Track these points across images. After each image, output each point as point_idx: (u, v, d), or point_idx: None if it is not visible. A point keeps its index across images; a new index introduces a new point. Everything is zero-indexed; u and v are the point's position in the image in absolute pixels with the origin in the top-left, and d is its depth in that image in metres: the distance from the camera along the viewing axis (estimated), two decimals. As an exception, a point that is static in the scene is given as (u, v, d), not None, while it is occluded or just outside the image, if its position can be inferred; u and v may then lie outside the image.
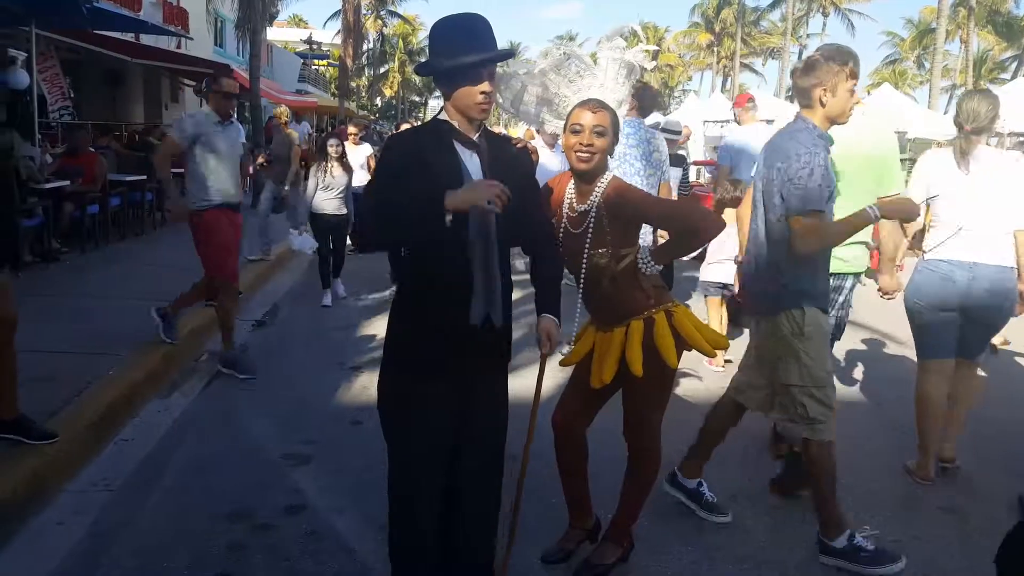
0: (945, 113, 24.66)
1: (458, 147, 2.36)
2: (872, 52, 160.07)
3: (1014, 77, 35.76)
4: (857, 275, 3.86)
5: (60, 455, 3.70)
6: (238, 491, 3.57)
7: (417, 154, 2.33)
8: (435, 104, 58.09)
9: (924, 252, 3.94)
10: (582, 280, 2.82)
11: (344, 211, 7.36)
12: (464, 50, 2.25)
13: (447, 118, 2.39)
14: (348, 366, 5.50)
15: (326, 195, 7.27)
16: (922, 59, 49.70)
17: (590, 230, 2.75)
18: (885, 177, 3.75)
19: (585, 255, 2.76)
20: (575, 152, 2.71)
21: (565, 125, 2.78)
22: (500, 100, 3.07)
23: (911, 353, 4.35)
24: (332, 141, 7.48)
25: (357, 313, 7.14)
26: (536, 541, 3.13)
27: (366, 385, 5.07)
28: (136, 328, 5.65)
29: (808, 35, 51.25)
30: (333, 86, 46.38)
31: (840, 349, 6.45)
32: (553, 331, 2.52)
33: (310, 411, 4.64)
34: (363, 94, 51.84)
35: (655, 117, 10.79)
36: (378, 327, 6.59)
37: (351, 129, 9.55)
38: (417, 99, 64.61)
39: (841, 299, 3.82)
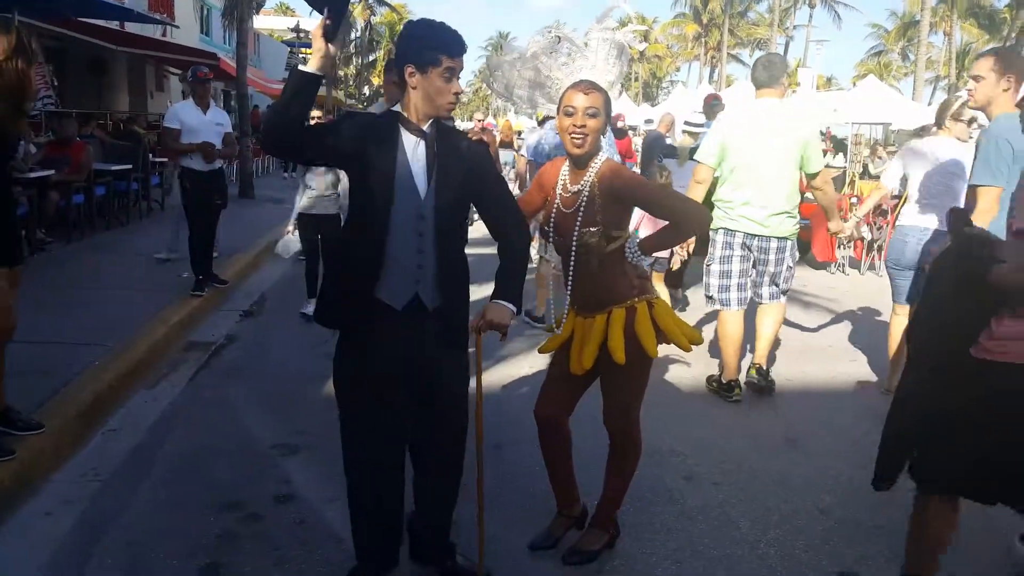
0: (929, 104, 24.83)
1: (404, 135, 2.47)
2: (857, 44, 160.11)
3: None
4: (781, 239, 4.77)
5: (47, 446, 3.71)
6: (228, 481, 3.59)
7: (361, 130, 2.46)
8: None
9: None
10: (571, 261, 2.85)
11: (335, 211, 6.38)
12: (441, 48, 2.38)
13: (400, 109, 2.50)
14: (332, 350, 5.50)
15: (314, 192, 6.28)
16: (907, 51, 49.91)
17: (581, 209, 2.79)
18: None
19: (575, 233, 2.80)
20: (569, 135, 2.75)
21: (558, 107, 2.81)
22: (494, 87, 3.16)
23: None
24: None
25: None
26: (524, 530, 3.17)
27: (354, 375, 5.08)
28: (122, 318, 5.65)
29: (795, 26, 51.32)
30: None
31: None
32: (497, 318, 2.57)
33: (299, 401, 4.64)
34: (351, 83, 51.53)
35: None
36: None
37: (315, 114, 8.72)
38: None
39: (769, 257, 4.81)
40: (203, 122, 6.54)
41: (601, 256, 2.77)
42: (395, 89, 4.28)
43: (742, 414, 4.73)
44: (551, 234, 2.96)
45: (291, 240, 6.38)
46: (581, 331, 2.88)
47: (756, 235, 4.72)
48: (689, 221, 2.81)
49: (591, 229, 2.74)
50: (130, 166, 10.02)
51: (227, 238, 7.36)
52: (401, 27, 2.76)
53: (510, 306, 2.59)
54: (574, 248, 2.81)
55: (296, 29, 38.74)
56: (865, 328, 6.98)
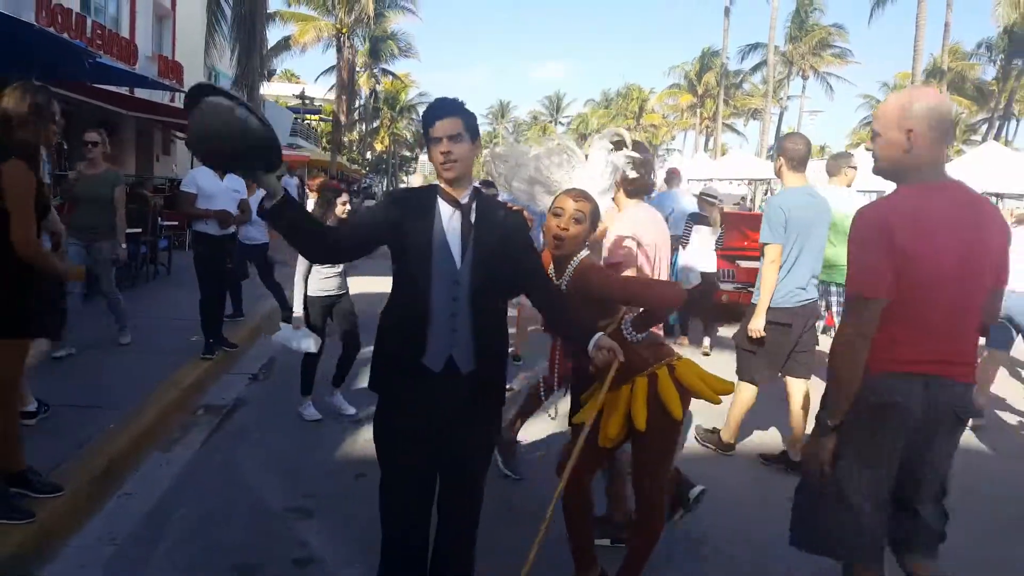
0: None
1: (441, 205, 2.60)
2: (850, 114, 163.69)
3: (985, 139, 36.73)
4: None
5: (64, 509, 3.71)
6: (244, 545, 3.59)
7: (400, 204, 2.64)
8: (425, 159, 58.80)
9: None
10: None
11: (345, 288, 5.67)
12: (426, 123, 2.57)
13: (439, 182, 2.66)
14: (347, 420, 5.53)
15: (327, 270, 5.44)
16: (899, 121, 50.94)
17: None
18: None
19: None
20: (552, 235, 2.92)
21: (550, 207, 2.96)
22: (495, 175, 3.34)
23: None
24: (342, 197, 5.59)
25: (355, 364, 7.15)
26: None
27: (368, 438, 5.05)
28: (133, 381, 5.68)
29: (788, 97, 52.61)
30: (324, 140, 46.88)
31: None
32: (609, 343, 2.56)
33: (312, 465, 4.66)
34: (354, 149, 52.41)
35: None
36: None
37: (313, 184, 8.47)
38: (408, 154, 65.42)
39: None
40: (220, 188, 6.68)
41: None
42: None
43: (754, 483, 4.74)
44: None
45: (302, 335, 5.36)
46: (608, 404, 2.97)
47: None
48: (664, 305, 2.90)
49: None
50: (139, 229, 10.14)
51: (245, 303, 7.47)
52: (403, 95, 2.96)
53: (607, 339, 2.61)
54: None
55: (301, 96, 39.69)
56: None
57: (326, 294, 5.50)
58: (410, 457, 2.62)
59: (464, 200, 2.60)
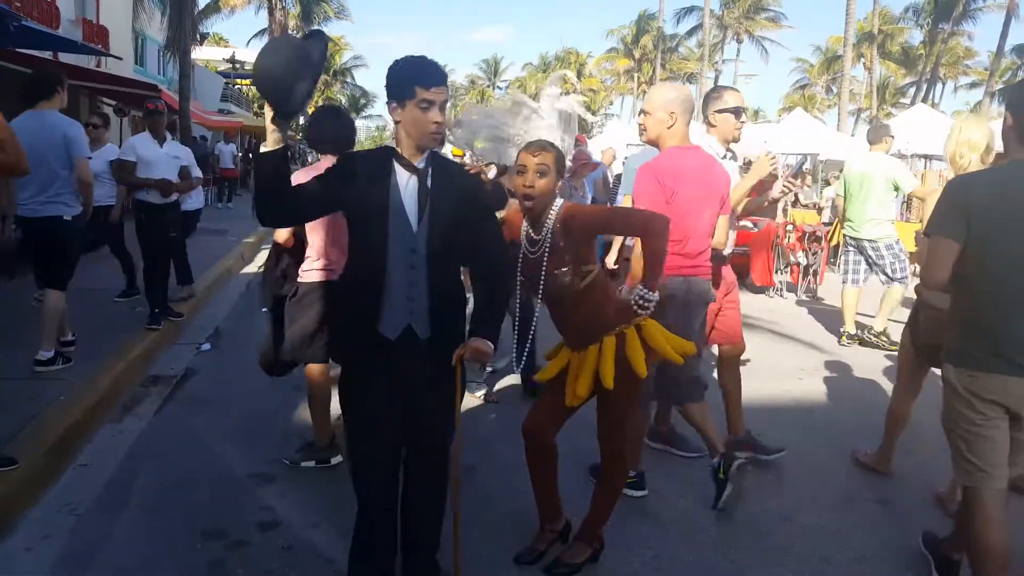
0: (853, 135, 26.00)
1: (398, 169, 2.58)
2: (784, 77, 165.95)
3: (913, 102, 37.93)
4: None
5: (20, 482, 3.68)
6: (208, 510, 3.61)
7: (354, 167, 2.59)
8: (362, 124, 57.75)
9: None
10: (540, 298, 3.04)
11: None
12: (418, 81, 2.50)
13: (394, 144, 2.63)
14: (303, 386, 5.51)
15: None
16: (830, 85, 52.19)
17: (546, 251, 2.98)
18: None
19: (543, 274, 2.97)
20: (520, 194, 2.96)
21: (514, 164, 3.01)
22: (455, 139, 3.37)
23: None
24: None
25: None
26: (506, 546, 3.29)
27: (322, 404, 5.13)
28: (80, 353, 5.58)
29: (724, 60, 53.25)
30: (256, 106, 45.66)
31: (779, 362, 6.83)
32: (481, 349, 2.60)
33: (267, 432, 4.67)
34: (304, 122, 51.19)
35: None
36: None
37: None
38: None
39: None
40: (159, 155, 6.52)
41: (577, 292, 2.96)
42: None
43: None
44: (522, 282, 3.12)
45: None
46: (575, 363, 3.06)
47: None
48: (653, 225, 2.93)
49: (563, 270, 2.93)
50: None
51: (173, 271, 7.32)
52: (336, 58, 2.91)
53: (490, 344, 2.65)
54: (543, 288, 2.98)
55: (232, 60, 38.55)
56: (807, 348, 7.32)
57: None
58: (375, 424, 2.67)
59: (420, 164, 2.59)
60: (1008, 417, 2.72)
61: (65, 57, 15.74)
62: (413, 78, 2.50)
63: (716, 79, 52.72)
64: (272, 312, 4.17)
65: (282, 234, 4.07)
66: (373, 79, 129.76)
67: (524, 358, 3.48)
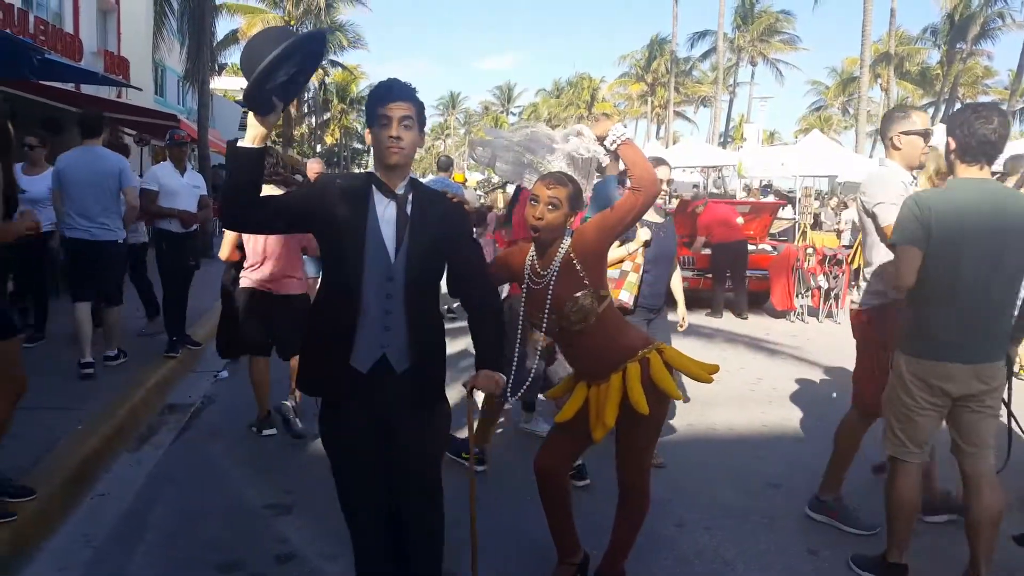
0: (871, 156, 25.89)
1: (376, 195, 2.49)
2: (799, 100, 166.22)
3: (932, 123, 37.69)
4: None
5: (38, 512, 3.66)
6: (224, 542, 3.58)
7: (332, 192, 2.48)
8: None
9: None
10: (543, 331, 3.00)
11: None
12: (376, 100, 2.46)
13: (375, 170, 2.56)
14: (317, 413, 5.50)
15: None
16: (847, 106, 52.08)
17: (552, 282, 2.91)
18: None
19: (547, 306, 2.91)
20: (529, 224, 2.91)
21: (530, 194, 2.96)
22: (477, 157, 3.33)
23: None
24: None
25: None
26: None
27: (340, 433, 5.10)
28: (97, 382, 5.59)
29: (737, 83, 53.30)
30: (275, 134, 46.21)
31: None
32: (490, 386, 2.57)
33: (284, 461, 4.65)
34: (304, 142, 51.76)
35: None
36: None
37: (314, 167, 8.16)
38: (359, 146, 64.72)
39: None
40: (181, 185, 6.59)
41: (597, 316, 2.89)
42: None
43: (725, 460, 4.86)
44: (525, 316, 3.08)
45: None
46: (596, 397, 2.97)
47: None
48: (639, 189, 2.86)
49: (583, 292, 2.86)
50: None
51: (193, 298, 7.32)
52: (353, 87, 2.88)
53: (500, 375, 2.60)
54: (560, 319, 2.90)
55: (250, 90, 39.00)
56: (829, 373, 7.22)
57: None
58: (355, 461, 2.56)
59: (400, 191, 2.51)
60: (952, 403, 3.19)
61: (87, 89, 16.01)
62: (375, 99, 2.46)
63: (731, 102, 52.84)
64: (224, 307, 5.26)
65: (224, 252, 4.98)
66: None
67: (518, 391, 3.42)
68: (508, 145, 3.16)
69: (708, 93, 50.45)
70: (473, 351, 2.70)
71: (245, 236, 4.86)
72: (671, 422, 5.51)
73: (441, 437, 2.74)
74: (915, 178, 3.93)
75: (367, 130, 2.54)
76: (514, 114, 79.68)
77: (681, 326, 5.08)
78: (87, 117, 6.22)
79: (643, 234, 4.40)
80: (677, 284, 5.06)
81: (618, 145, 2.97)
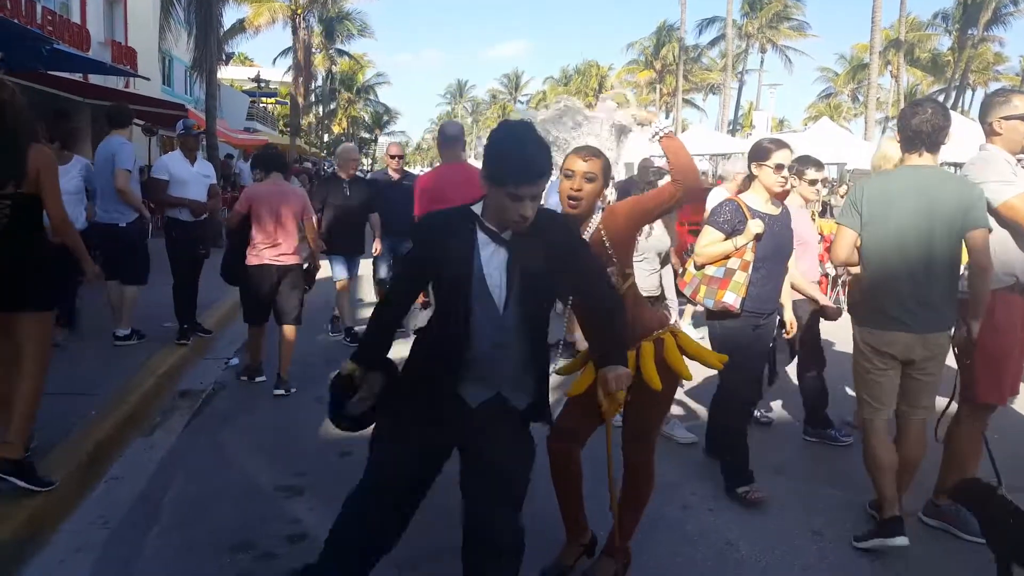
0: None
1: (481, 238, 2.41)
2: (808, 87, 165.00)
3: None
4: None
5: (54, 495, 3.72)
6: (237, 524, 3.64)
7: (436, 238, 2.45)
8: (384, 140, 58.16)
9: None
10: (568, 305, 3.03)
11: None
12: (511, 177, 2.29)
13: (479, 210, 2.45)
14: (328, 400, 5.54)
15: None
16: (856, 93, 51.78)
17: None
18: None
19: None
20: (566, 196, 2.93)
21: (561, 168, 2.99)
22: None
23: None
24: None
25: (326, 347, 7.21)
26: (532, 560, 3.27)
27: (349, 418, 5.16)
28: (109, 369, 5.67)
29: (746, 71, 53.08)
30: (281, 123, 46.26)
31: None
32: (614, 380, 2.49)
33: (295, 445, 4.71)
34: (312, 131, 51.81)
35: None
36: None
37: (392, 150, 7.98)
38: (367, 135, 64.78)
39: None
40: (191, 174, 6.64)
41: (622, 294, 2.92)
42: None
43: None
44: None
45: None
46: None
47: None
48: (681, 183, 2.89)
49: (609, 270, 2.89)
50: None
51: (203, 287, 7.38)
52: (360, 75, 2.83)
53: (626, 369, 2.55)
54: None
55: (257, 79, 39.11)
56: (834, 359, 7.22)
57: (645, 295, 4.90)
58: (410, 440, 2.51)
59: (507, 236, 2.41)
60: (900, 365, 3.58)
61: (94, 79, 16.09)
62: (509, 172, 2.30)
63: (740, 89, 52.63)
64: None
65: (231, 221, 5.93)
66: (396, 96, 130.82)
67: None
68: (535, 122, 3.20)
69: (717, 80, 50.27)
70: None
71: (256, 216, 5.65)
72: (682, 407, 5.55)
73: (530, 452, 2.63)
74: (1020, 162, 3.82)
75: (486, 179, 2.36)
76: (522, 102, 79.57)
77: (788, 333, 4.69)
78: (112, 109, 6.68)
79: (753, 226, 3.94)
80: (790, 285, 4.55)
81: (660, 137, 3.00)
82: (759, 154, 4.00)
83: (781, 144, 4.01)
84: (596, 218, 2.97)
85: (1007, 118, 3.59)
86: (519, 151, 2.32)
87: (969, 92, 46.57)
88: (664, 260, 5.23)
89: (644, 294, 4.61)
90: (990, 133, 3.67)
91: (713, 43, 52.60)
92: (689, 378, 3.03)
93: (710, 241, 4.05)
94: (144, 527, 3.60)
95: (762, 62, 51.15)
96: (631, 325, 2.95)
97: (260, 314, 5.91)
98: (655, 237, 5.02)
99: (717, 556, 3.47)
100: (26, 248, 3.69)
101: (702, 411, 5.51)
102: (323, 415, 5.20)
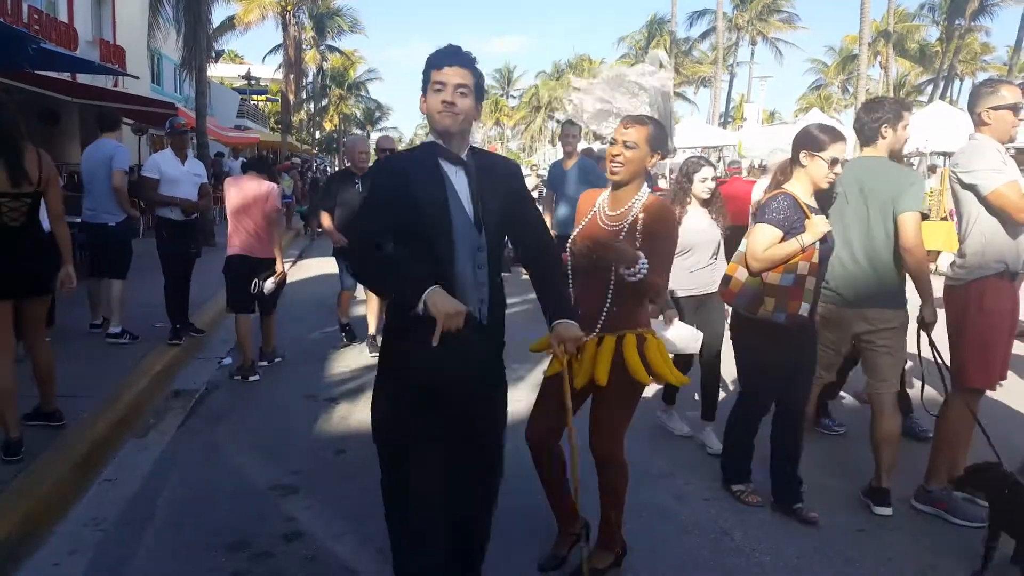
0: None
1: (444, 165, 2.48)
2: (799, 78, 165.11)
3: (931, 100, 37.60)
4: None
5: (48, 497, 3.72)
6: (232, 523, 3.63)
7: (403, 178, 2.46)
8: (375, 137, 58.08)
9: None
10: (571, 262, 3.04)
11: None
12: (432, 65, 2.44)
13: (433, 139, 2.53)
14: (322, 398, 5.58)
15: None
16: (846, 84, 51.85)
17: (624, 233, 2.95)
18: None
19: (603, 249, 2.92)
20: (609, 162, 2.98)
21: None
22: (567, 112, 3.52)
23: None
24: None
25: (319, 345, 7.19)
26: (531, 552, 3.28)
27: (344, 416, 5.17)
28: (102, 369, 5.65)
29: (737, 63, 53.05)
30: (272, 121, 46.09)
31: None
32: (574, 336, 2.56)
33: (290, 443, 4.70)
34: (303, 128, 51.65)
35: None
36: (345, 358, 6.68)
37: (385, 144, 7.07)
38: (358, 132, 64.63)
39: None
40: (182, 173, 6.60)
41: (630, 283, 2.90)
42: None
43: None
44: (578, 252, 3.04)
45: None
46: (583, 349, 2.94)
47: None
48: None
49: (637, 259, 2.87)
50: (94, 218, 9.92)
51: (194, 286, 7.35)
52: (351, 72, 2.89)
53: (574, 323, 2.59)
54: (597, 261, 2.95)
55: (247, 76, 38.90)
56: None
57: (692, 293, 4.64)
58: (431, 466, 2.51)
59: (465, 158, 2.50)
60: (851, 340, 3.94)
61: (83, 78, 15.98)
62: (431, 64, 2.43)
63: (731, 82, 52.64)
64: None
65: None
66: (387, 92, 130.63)
67: None
68: (591, 87, 3.26)
69: (708, 73, 50.19)
70: None
71: (231, 213, 6.02)
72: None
73: (505, 389, 2.74)
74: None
75: (422, 98, 2.48)
76: (514, 96, 79.41)
77: None
78: (103, 113, 7.10)
79: (820, 224, 3.49)
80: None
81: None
82: (812, 143, 3.55)
83: (837, 135, 3.54)
84: (640, 199, 2.99)
85: (995, 108, 3.63)
86: (439, 49, 2.47)
87: (957, 82, 46.73)
88: (715, 252, 4.70)
89: (684, 294, 4.53)
90: (979, 123, 3.72)
91: (704, 36, 52.51)
92: (645, 382, 2.99)
93: (770, 242, 3.53)
94: (138, 528, 3.59)
95: (752, 54, 51.15)
96: (625, 310, 2.97)
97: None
98: (697, 231, 4.56)
99: (712, 545, 3.48)
100: (37, 240, 4.19)
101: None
102: (318, 413, 5.26)
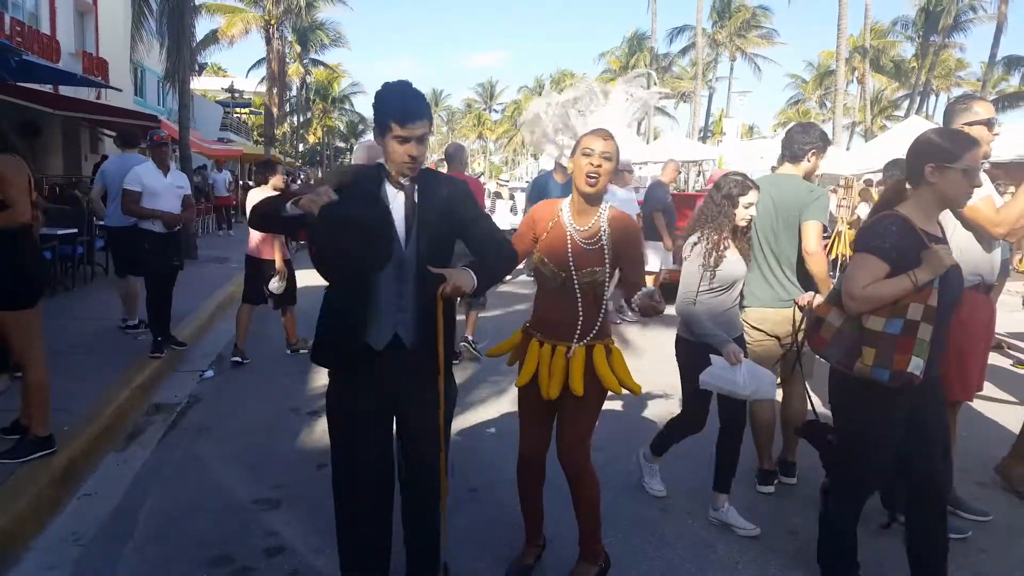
0: (848, 149, 26.11)
1: (387, 187, 2.68)
2: (777, 94, 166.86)
3: (907, 115, 38.13)
4: None
5: (25, 511, 3.68)
6: (214, 538, 3.61)
7: (345, 191, 2.61)
8: (359, 145, 58.03)
9: None
10: (552, 273, 3.04)
11: None
12: (393, 117, 2.56)
13: (384, 162, 2.71)
14: (304, 411, 5.56)
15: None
16: (824, 99, 52.46)
17: (603, 248, 3.00)
18: None
19: (585, 269, 2.98)
20: (585, 174, 2.96)
21: (574, 150, 3.03)
22: (528, 139, 3.62)
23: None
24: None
25: (302, 358, 7.15)
26: (502, 561, 3.29)
27: (326, 430, 5.09)
28: (82, 383, 5.59)
29: (716, 78, 53.56)
30: (256, 134, 45.98)
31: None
32: (459, 280, 2.55)
33: (271, 457, 4.68)
34: (287, 141, 51.53)
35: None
36: (327, 372, 6.63)
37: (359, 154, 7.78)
38: (342, 145, 64.59)
39: None
40: (165, 185, 6.57)
41: (599, 294, 3.02)
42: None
43: (709, 449, 4.92)
44: (550, 266, 3.05)
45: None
46: (544, 365, 3.04)
47: None
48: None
49: (598, 268, 2.97)
50: (76, 230, 9.87)
51: (177, 299, 7.31)
52: (335, 85, 3.00)
53: (473, 276, 2.61)
54: (579, 279, 2.99)
55: (230, 89, 38.84)
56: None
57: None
58: (363, 436, 2.76)
59: (405, 181, 2.68)
60: (777, 340, 4.20)
61: (65, 90, 15.90)
62: (393, 115, 2.56)
63: (710, 97, 53.09)
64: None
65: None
66: (371, 106, 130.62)
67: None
68: (552, 105, 3.33)
69: (688, 88, 50.63)
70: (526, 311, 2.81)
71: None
72: (663, 409, 5.58)
73: (437, 410, 2.77)
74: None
75: (377, 133, 2.65)
76: (496, 111, 79.79)
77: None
78: (125, 130, 8.17)
79: (944, 255, 2.71)
80: None
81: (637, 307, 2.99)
82: (940, 153, 2.78)
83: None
84: (604, 211, 3.03)
85: (969, 124, 3.66)
86: (399, 98, 2.60)
87: (933, 97, 47.39)
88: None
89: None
90: None
91: (684, 51, 53.01)
92: (616, 390, 3.03)
93: (873, 276, 2.76)
94: (119, 543, 3.56)
95: (732, 70, 51.68)
96: (594, 321, 3.04)
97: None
98: (729, 262, 3.71)
99: (694, 557, 3.50)
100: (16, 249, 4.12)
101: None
102: (300, 427, 5.23)
